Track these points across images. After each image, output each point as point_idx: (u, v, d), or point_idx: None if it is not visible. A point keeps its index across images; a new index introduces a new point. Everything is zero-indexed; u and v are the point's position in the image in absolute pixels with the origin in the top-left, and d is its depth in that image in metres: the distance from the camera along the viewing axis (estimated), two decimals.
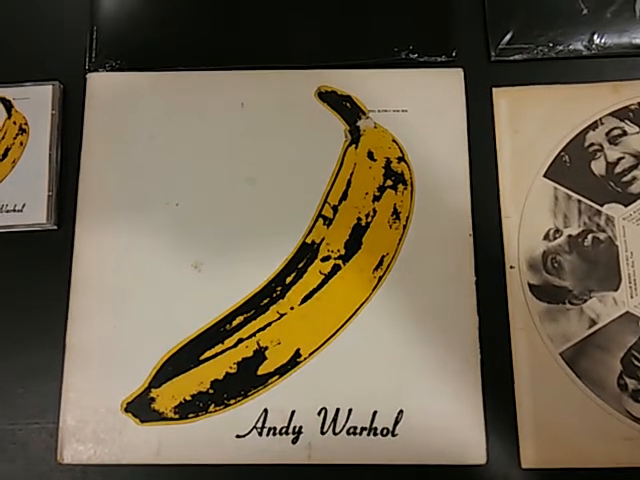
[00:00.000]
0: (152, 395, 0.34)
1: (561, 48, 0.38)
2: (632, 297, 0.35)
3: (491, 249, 0.36)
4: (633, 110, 0.37)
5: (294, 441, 0.33)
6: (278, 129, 0.37)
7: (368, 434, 0.33)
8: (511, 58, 0.38)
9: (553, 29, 0.38)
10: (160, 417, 0.33)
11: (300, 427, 0.33)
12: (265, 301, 0.35)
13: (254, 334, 0.34)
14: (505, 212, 0.36)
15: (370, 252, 0.35)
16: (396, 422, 0.33)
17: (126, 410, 0.33)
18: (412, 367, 0.34)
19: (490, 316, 0.35)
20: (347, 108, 0.37)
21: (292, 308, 0.35)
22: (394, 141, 0.37)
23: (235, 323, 0.35)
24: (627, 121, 0.37)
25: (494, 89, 0.38)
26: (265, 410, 0.33)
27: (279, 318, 0.35)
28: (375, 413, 0.33)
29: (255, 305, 0.35)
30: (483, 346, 0.34)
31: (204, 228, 0.36)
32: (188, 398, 0.34)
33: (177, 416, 0.33)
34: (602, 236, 0.36)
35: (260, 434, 0.33)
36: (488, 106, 0.37)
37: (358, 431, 0.33)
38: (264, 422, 0.33)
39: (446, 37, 0.38)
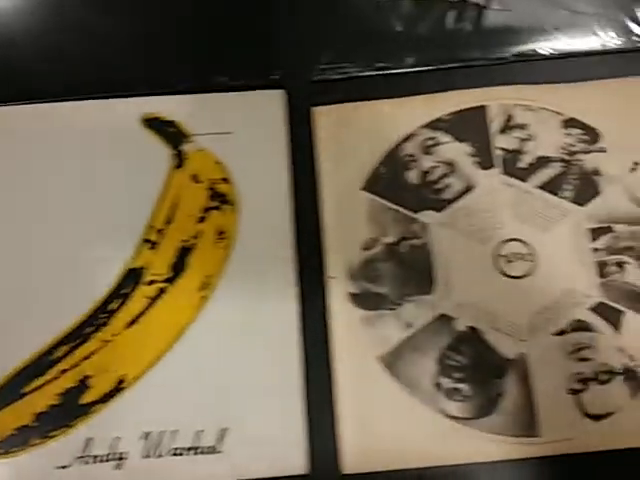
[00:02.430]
0: None
1: (378, 65, 0.40)
2: (446, 299, 0.36)
3: (313, 262, 0.37)
4: (445, 120, 0.39)
5: (118, 467, 0.33)
6: (103, 158, 0.38)
7: (194, 454, 0.34)
8: (331, 78, 0.40)
9: (369, 48, 0.40)
10: None
11: (124, 453, 0.33)
12: (89, 329, 0.35)
13: (78, 363, 0.35)
14: (326, 225, 0.37)
15: (196, 273, 0.36)
16: (221, 439, 0.34)
17: None
18: (237, 383, 0.35)
19: (312, 327, 0.36)
20: (171, 133, 0.38)
21: (117, 334, 0.35)
22: (218, 163, 0.38)
23: (59, 354, 0.35)
24: (440, 131, 0.39)
25: (314, 108, 0.39)
26: (88, 439, 0.34)
27: (103, 345, 0.35)
28: (200, 432, 0.34)
29: (79, 334, 0.35)
30: (307, 357, 0.35)
31: (25, 256, 0.36)
32: (11, 433, 0.33)
33: None
34: (417, 242, 0.37)
35: (84, 463, 0.33)
36: (309, 125, 0.39)
37: (183, 452, 0.34)
38: (87, 451, 0.33)
39: (268, 61, 0.40)
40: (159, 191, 0.37)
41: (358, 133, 0.39)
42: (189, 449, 0.34)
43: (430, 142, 0.39)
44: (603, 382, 0.35)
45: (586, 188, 0.38)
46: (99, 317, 0.35)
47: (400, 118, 0.39)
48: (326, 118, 0.39)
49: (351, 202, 0.38)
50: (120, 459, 0.33)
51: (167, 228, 0.37)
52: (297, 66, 0.40)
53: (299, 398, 0.34)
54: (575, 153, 0.38)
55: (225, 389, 0.34)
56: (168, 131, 0.38)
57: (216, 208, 0.37)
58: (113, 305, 0.35)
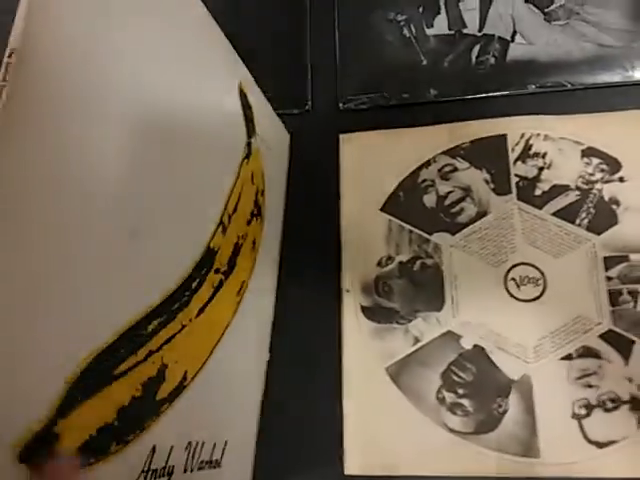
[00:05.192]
0: (56, 430, 0.21)
1: (403, 96, 0.43)
2: (454, 317, 0.38)
3: (331, 275, 0.40)
4: (465, 148, 0.41)
5: None
6: None
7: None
8: (358, 107, 0.43)
9: (396, 79, 0.43)
10: None
11: (172, 467, 0.28)
12: (175, 306, 0.28)
13: (161, 347, 0.27)
14: (344, 241, 0.41)
15: (238, 275, 0.36)
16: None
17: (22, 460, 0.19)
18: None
19: (326, 335, 0.39)
20: (250, 118, 0.37)
21: (190, 320, 0.30)
22: (263, 173, 0.40)
23: (151, 328, 0.26)
24: (458, 158, 0.41)
25: (341, 135, 0.43)
26: (153, 448, 0.26)
27: (180, 330, 0.29)
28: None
29: (167, 309, 0.28)
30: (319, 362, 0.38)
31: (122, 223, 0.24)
32: (92, 434, 0.23)
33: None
34: (429, 262, 0.39)
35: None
36: (335, 150, 0.42)
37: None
38: (150, 464, 0.26)
39: (301, 92, 0.44)
40: (234, 178, 0.35)
41: (380, 158, 0.42)
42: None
43: (448, 168, 0.41)
44: (608, 410, 0.35)
45: (603, 217, 0.39)
46: (184, 293, 0.29)
47: (421, 146, 0.42)
48: (351, 144, 0.42)
49: (370, 221, 0.41)
50: (170, 473, 0.28)
51: (233, 216, 0.35)
52: (328, 97, 0.44)
53: None
54: (594, 182, 0.39)
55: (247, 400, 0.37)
56: (249, 113, 0.37)
57: (256, 216, 0.39)
58: (194, 283, 0.30)
